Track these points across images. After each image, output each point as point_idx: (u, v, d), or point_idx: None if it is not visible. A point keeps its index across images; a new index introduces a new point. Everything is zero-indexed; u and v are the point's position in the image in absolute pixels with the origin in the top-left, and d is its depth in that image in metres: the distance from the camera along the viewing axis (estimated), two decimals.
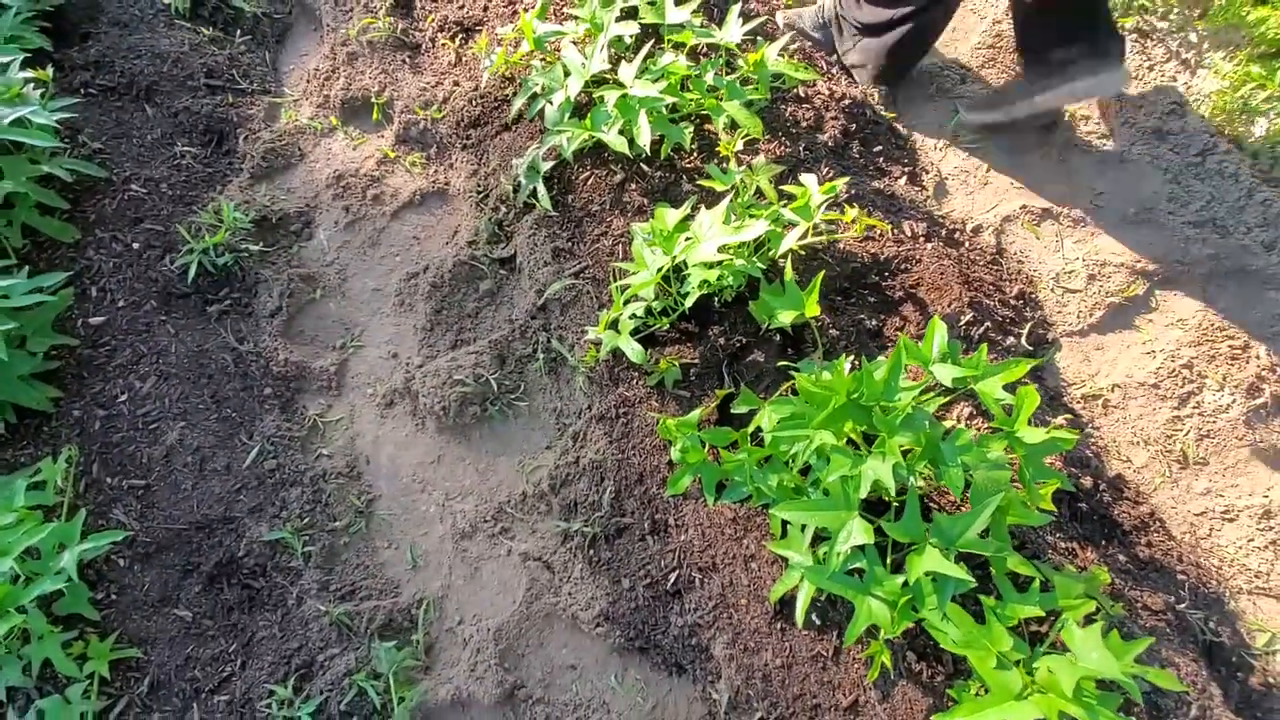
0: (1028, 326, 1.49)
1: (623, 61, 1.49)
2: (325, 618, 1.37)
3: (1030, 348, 1.48)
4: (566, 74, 1.55)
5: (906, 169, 1.71)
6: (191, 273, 1.62)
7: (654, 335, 1.49)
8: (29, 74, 1.60)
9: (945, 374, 1.16)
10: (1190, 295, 1.56)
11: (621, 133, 1.47)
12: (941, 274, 1.46)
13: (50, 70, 1.66)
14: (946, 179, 1.73)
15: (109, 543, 1.31)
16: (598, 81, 1.55)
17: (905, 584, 1.09)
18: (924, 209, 1.61)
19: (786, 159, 1.57)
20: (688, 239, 1.38)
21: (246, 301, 1.66)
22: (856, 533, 1.09)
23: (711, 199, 1.53)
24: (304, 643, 1.36)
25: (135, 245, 1.67)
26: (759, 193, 1.42)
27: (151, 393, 1.54)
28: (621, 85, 1.46)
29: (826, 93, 1.70)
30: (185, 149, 1.82)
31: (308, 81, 1.98)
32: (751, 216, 1.39)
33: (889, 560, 1.15)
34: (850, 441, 1.21)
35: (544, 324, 1.59)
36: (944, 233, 1.58)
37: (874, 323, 1.42)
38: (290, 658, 1.35)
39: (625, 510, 1.40)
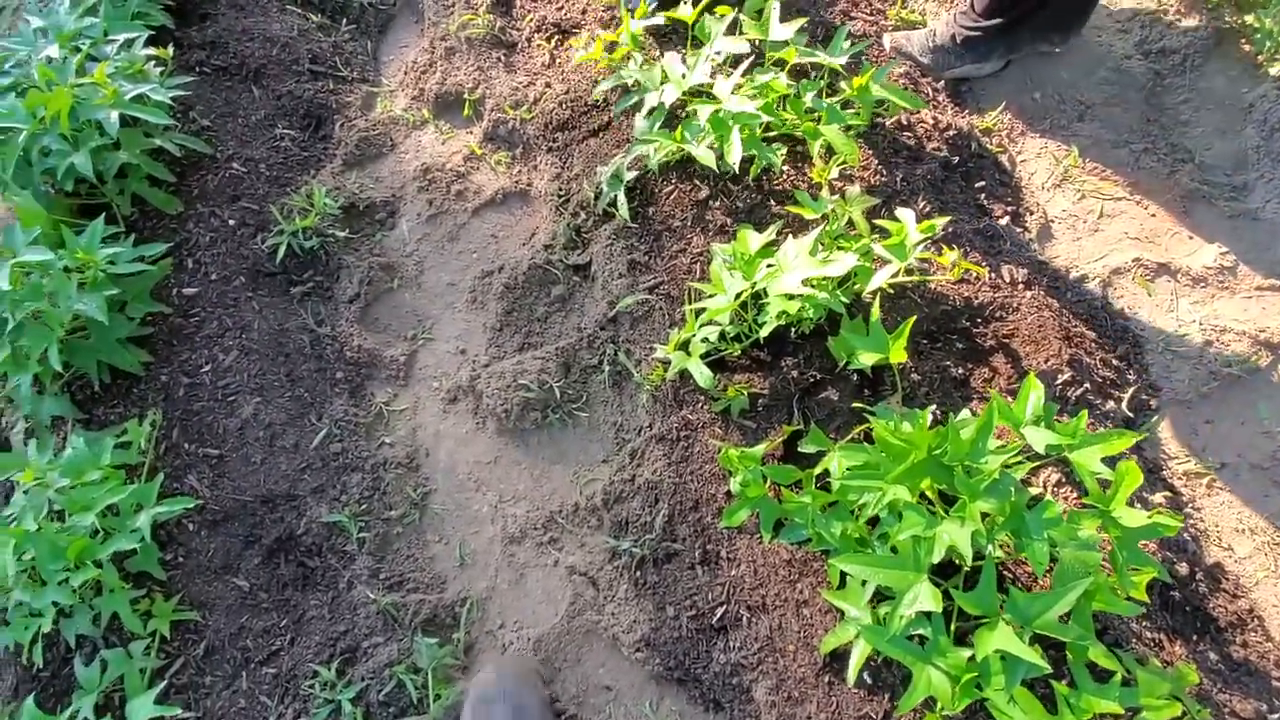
0: (1130, 391, 1.38)
1: (719, 75, 1.45)
2: (373, 605, 1.39)
3: (1131, 414, 1.37)
4: (664, 80, 1.52)
5: (1010, 208, 1.61)
6: (280, 253, 1.67)
7: (724, 360, 1.45)
8: (152, 51, 1.67)
9: (1038, 439, 1.08)
10: None
11: (711, 149, 1.43)
12: (1040, 326, 1.36)
13: (170, 49, 1.74)
14: (1053, 222, 1.62)
15: (182, 509, 1.36)
16: (694, 93, 1.52)
17: (971, 658, 1.02)
18: (1026, 253, 1.51)
19: (881, 189, 1.50)
20: (769, 265, 1.34)
21: (328, 285, 1.71)
22: (924, 598, 1.03)
23: (799, 226, 1.48)
24: (351, 627, 1.39)
25: (231, 222, 1.73)
26: (850, 224, 1.36)
27: (233, 366, 1.60)
28: (716, 99, 1.42)
29: (930, 121, 1.61)
30: (285, 131, 1.88)
31: (405, 73, 2.01)
32: (840, 248, 1.34)
33: (953, 628, 1.08)
34: (924, 498, 1.14)
35: (613, 336, 1.57)
36: (1045, 281, 1.48)
37: (960, 371, 1.34)
38: (336, 640, 1.38)
39: (677, 536, 1.37)
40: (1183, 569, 1.23)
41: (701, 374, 1.35)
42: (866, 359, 1.21)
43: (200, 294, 1.66)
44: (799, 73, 1.63)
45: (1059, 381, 1.29)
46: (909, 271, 1.27)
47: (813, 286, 1.24)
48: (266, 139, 1.87)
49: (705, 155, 1.41)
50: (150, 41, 1.71)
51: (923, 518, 1.04)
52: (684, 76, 1.50)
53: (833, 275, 1.19)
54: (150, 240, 1.67)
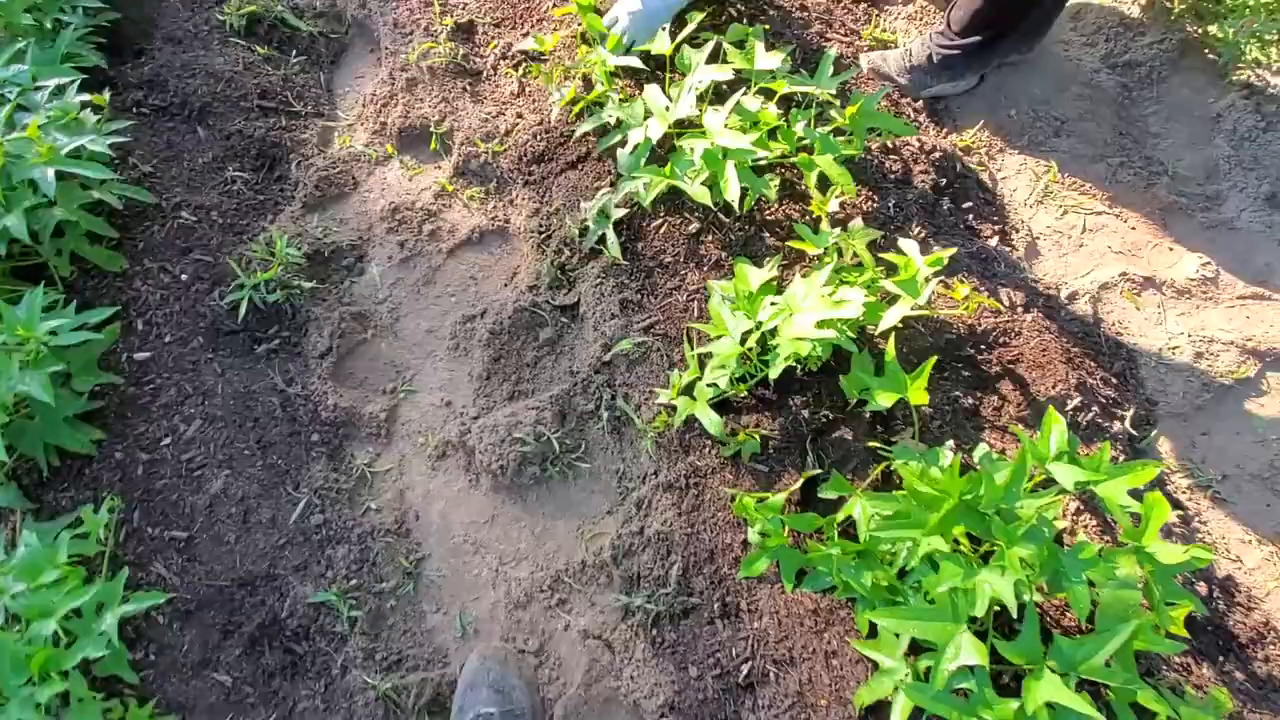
0: (1132, 410, 1.39)
1: (709, 107, 1.40)
2: (370, 690, 1.29)
3: (1134, 432, 1.38)
4: (647, 114, 1.46)
5: (997, 227, 1.61)
6: (242, 309, 1.55)
7: (728, 401, 1.40)
8: (86, 97, 1.53)
9: (1066, 477, 1.06)
10: None
11: (704, 183, 1.38)
12: (1043, 349, 1.36)
13: (107, 93, 1.60)
14: (1038, 239, 1.63)
15: (151, 603, 1.24)
16: (679, 124, 1.46)
17: (1019, 709, 0.99)
18: (1019, 274, 1.51)
19: (875, 217, 1.47)
20: (773, 304, 1.29)
21: (296, 340, 1.59)
22: (967, 651, 0.99)
23: (795, 258, 1.44)
24: (348, 717, 1.28)
25: (184, 277, 1.60)
26: (852, 256, 1.33)
27: (196, 437, 1.47)
28: (705, 132, 1.37)
29: (915, 144, 1.60)
30: (236, 174, 1.76)
31: (363, 106, 1.90)
32: (844, 282, 1.30)
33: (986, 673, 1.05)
34: (955, 543, 1.11)
35: (608, 379, 1.50)
36: (1041, 302, 1.47)
37: (970, 401, 1.32)
38: None
39: (693, 589, 1.31)
40: (1201, 589, 1.23)
41: (711, 421, 1.30)
42: (884, 399, 1.17)
43: (154, 359, 1.52)
44: (784, 99, 1.59)
45: (1070, 407, 1.29)
46: (918, 306, 1.24)
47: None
48: (217, 183, 1.74)
49: (700, 193, 1.35)
50: (83, 84, 1.57)
51: (960, 568, 1.01)
52: (667, 109, 1.45)
53: (848, 318, 1.15)
54: (94, 303, 1.53)
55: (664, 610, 1.30)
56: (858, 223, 1.31)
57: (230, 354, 1.56)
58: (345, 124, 1.90)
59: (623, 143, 1.49)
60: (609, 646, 1.32)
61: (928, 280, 1.18)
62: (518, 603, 1.38)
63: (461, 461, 1.50)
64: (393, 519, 1.46)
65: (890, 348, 1.17)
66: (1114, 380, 1.43)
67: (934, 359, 1.12)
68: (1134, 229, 1.63)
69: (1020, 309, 1.40)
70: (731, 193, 1.31)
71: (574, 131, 1.68)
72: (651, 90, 1.48)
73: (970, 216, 1.59)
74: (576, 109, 1.66)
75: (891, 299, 1.23)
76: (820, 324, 1.17)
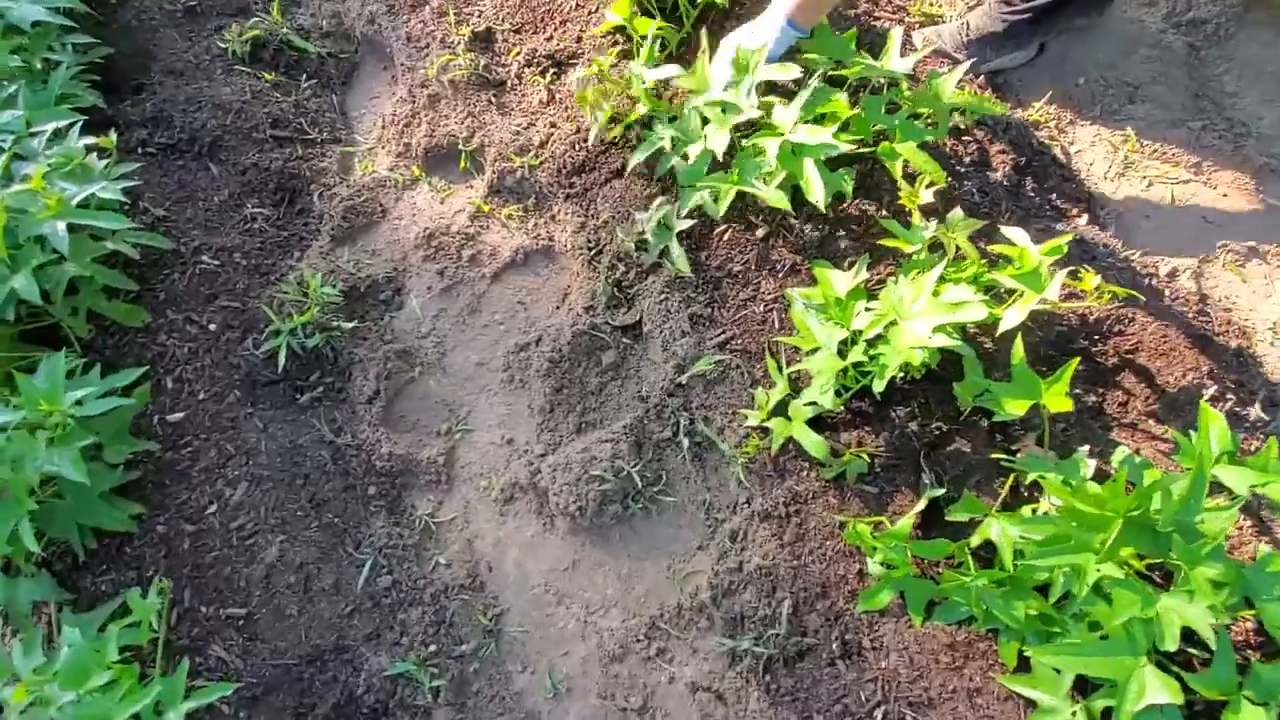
0: (1262, 393, 1.28)
1: (776, 100, 1.29)
2: None
3: (1267, 417, 1.27)
4: (704, 121, 1.34)
5: (1082, 206, 1.50)
6: (281, 358, 1.42)
7: (822, 418, 1.28)
8: (90, 140, 1.40)
9: (1238, 481, 0.95)
10: None
11: (778, 185, 1.27)
12: (1163, 336, 1.25)
13: (112, 134, 1.47)
14: (1124, 214, 1.52)
15: (218, 696, 1.11)
16: (742, 128, 1.35)
17: None
18: (1120, 256, 1.40)
19: (958, 204, 1.36)
20: (868, 309, 1.18)
21: (340, 386, 1.47)
22: (1154, 688, 0.88)
23: (880, 256, 1.32)
24: None
25: (212, 327, 1.48)
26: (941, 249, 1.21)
27: (244, 501, 1.35)
28: (776, 130, 1.25)
29: (989, 122, 1.49)
30: (256, 210, 1.63)
31: (383, 128, 1.78)
32: (944, 279, 1.19)
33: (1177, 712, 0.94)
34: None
35: (683, 403, 1.38)
36: (1147, 282, 1.37)
37: (1093, 399, 1.21)
38: None
39: (806, 627, 1.20)
40: None
41: (812, 442, 1.18)
42: (1015, 407, 1.06)
43: (189, 419, 1.40)
44: (839, 84, 1.48)
45: (1207, 396, 1.18)
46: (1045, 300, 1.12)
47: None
48: (236, 222, 1.61)
49: (778, 198, 1.24)
50: (83, 126, 1.44)
51: (1138, 595, 0.90)
52: (724, 113, 1.32)
53: (970, 320, 1.03)
54: (117, 364, 1.40)
55: (776, 653, 1.19)
56: (958, 212, 1.20)
57: (271, 406, 1.44)
58: (365, 148, 1.78)
59: (685, 158, 1.36)
60: (720, 698, 1.20)
61: (1053, 272, 1.07)
62: (612, 655, 1.26)
63: (532, 504, 1.38)
64: (464, 573, 1.34)
65: (1018, 349, 1.06)
66: (1234, 362, 1.32)
67: (1075, 361, 1.01)
68: (1226, 196, 1.52)
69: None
70: (815, 193, 1.19)
71: (615, 140, 1.56)
72: (700, 100, 1.35)
73: (1054, 196, 1.48)
74: (616, 131, 1.54)
75: (1007, 295, 1.12)
76: (935, 329, 1.06)
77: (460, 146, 1.70)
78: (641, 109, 1.48)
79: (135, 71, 1.76)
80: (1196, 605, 0.86)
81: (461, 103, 1.74)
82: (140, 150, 1.64)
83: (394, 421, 1.47)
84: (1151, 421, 1.19)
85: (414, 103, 1.76)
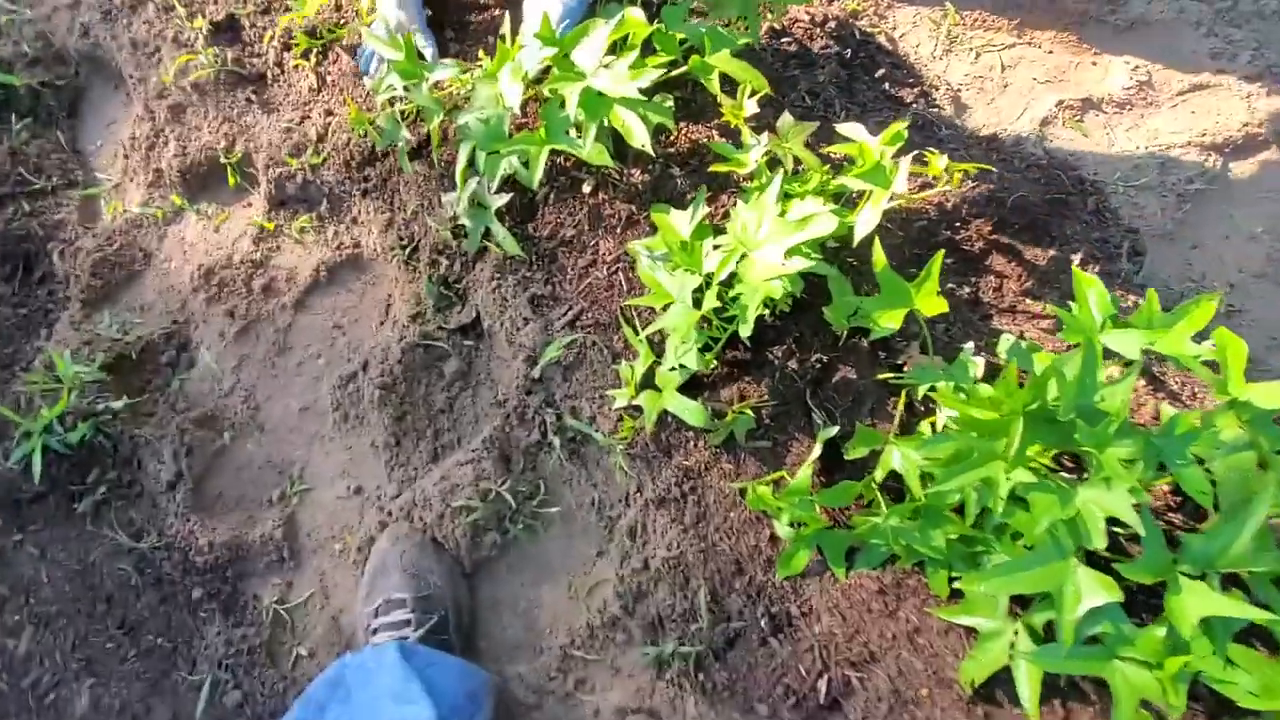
0: (1126, 244, 1.23)
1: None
2: None
3: (1134, 267, 1.23)
4: (490, 75, 1.14)
5: (915, 89, 1.40)
6: (36, 465, 1.14)
7: (697, 379, 1.14)
8: None
9: (1127, 344, 0.88)
10: (1273, 158, 1.34)
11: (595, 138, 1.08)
12: (1021, 209, 1.17)
13: None
14: (959, 91, 1.44)
15: None
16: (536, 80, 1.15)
17: (1171, 633, 0.82)
18: (964, 133, 1.31)
19: (791, 110, 1.23)
20: (716, 246, 1.03)
21: (128, 479, 1.20)
22: (1090, 590, 0.80)
23: (719, 186, 1.18)
24: None
25: None
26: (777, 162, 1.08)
27: (33, 650, 1.08)
28: (576, 72, 1.07)
29: (806, 18, 1.36)
30: None
31: (125, 157, 1.47)
32: (789, 196, 1.05)
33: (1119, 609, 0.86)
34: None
35: (545, 398, 1.21)
36: (994, 156, 1.29)
37: (967, 290, 1.12)
38: None
39: (730, 612, 1.07)
40: None
41: (689, 410, 1.04)
42: (889, 320, 0.94)
43: None
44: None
45: (1077, 261, 1.11)
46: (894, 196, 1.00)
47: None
48: None
49: (598, 152, 1.06)
50: None
51: (1054, 495, 0.81)
52: (518, 63, 1.12)
53: (821, 234, 0.90)
54: None
55: (704, 649, 1.06)
56: (787, 118, 1.06)
57: (44, 525, 1.16)
58: (111, 185, 1.47)
59: (480, 121, 1.16)
60: (654, 716, 1.06)
61: (896, 163, 0.95)
62: (528, 705, 1.09)
63: None
64: (334, 657, 1.12)
65: (878, 255, 0.94)
66: (1093, 220, 1.27)
67: (941, 254, 0.89)
68: (1051, 53, 1.47)
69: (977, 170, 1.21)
70: (638, 138, 1.03)
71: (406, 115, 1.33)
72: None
73: (887, 85, 1.38)
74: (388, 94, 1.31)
75: (860, 199, 1.00)
76: (791, 251, 0.92)
77: (222, 160, 1.42)
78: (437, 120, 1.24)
79: None
80: (1116, 491, 0.78)
81: (213, 108, 1.45)
82: None
83: (209, 504, 1.21)
84: (1028, 300, 1.11)
85: (154, 119, 1.46)
